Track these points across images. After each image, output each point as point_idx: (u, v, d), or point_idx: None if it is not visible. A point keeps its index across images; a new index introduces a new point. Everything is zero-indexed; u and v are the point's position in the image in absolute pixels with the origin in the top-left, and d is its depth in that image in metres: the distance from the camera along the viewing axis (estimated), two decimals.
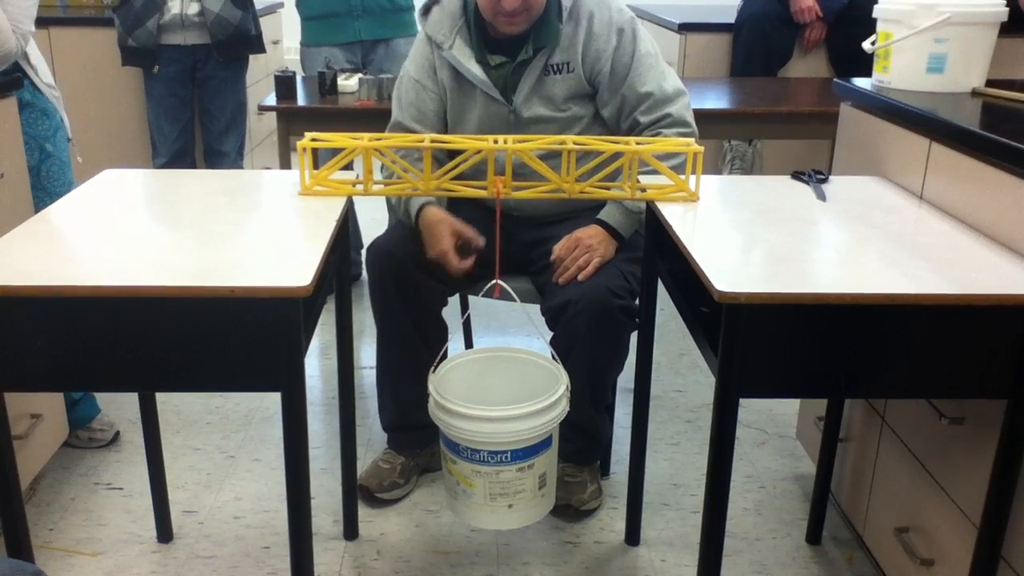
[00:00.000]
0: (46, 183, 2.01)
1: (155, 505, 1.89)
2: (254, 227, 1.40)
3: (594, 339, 1.80)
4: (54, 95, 2.04)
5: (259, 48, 3.12)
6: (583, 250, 1.82)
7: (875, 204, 1.55)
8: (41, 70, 2.02)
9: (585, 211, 1.92)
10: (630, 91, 1.86)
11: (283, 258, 1.28)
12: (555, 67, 1.86)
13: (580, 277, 1.81)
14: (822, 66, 3.51)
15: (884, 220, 1.47)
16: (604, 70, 1.85)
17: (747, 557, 1.89)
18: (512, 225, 1.97)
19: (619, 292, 1.79)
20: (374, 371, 2.08)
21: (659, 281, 1.72)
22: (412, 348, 1.94)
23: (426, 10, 1.94)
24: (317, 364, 2.72)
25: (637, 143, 1.59)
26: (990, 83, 1.81)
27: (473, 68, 1.87)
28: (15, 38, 1.86)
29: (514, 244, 1.96)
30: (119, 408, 2.38)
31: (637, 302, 1.83)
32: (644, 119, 1.87)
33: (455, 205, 1.93)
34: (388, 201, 2.03)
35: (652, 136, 1.86)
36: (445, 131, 1.97)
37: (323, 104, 2.56)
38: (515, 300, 1.80)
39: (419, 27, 1.97)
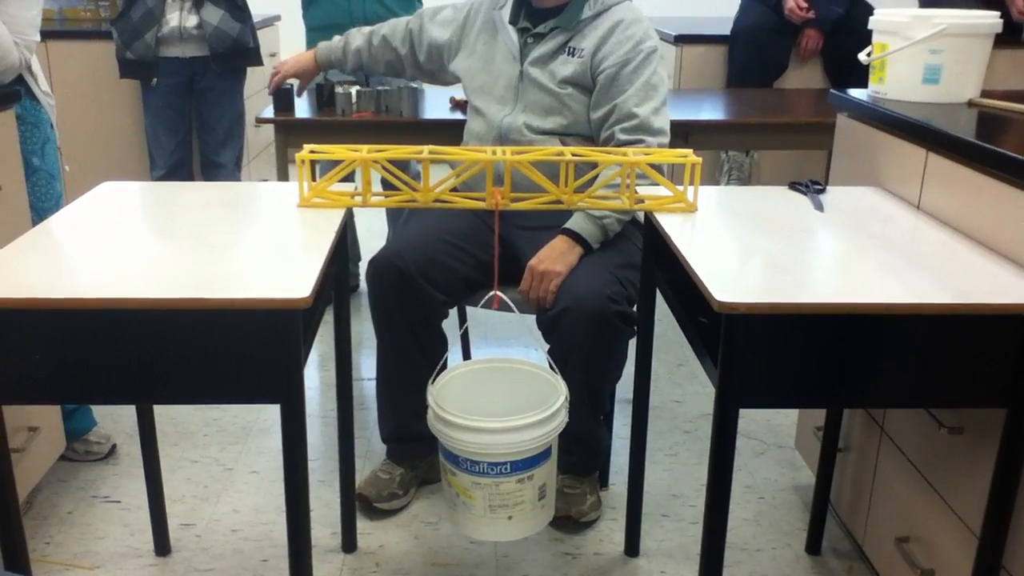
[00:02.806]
0: (31, 198, 1.95)
1: (153, 518, 1.88)
2: (253, 239, 1.40)
3: (592, 346, 1.80)
4: (50, 104, 2.03)
5: (257, 60, 3.13)
6: (539, 280, 1.87)
7: (872, 214, 1.56)
8: (40, 78, 2.00)
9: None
10: (622, 106, 1.93)
11: (283, 269, 1.28)
12: (571, 49, 2.00)
13: (547, 304, 1.85)
14: (818, 76, 3.52)
15: (882, 230, 1.47)
16: (607, 72, 1.94)
17: (746, 568, 1.88)
18: (505, 230, 1.98)
19: (616, 298, 1.80)
20: (371, 382, 2.08)
21: (657, 292, 1.73)
22: (412, 360, 1.94)
23: None
24: (315, 376, 2.72)
25: (635, 154, 1.59)
26: (985, 93, 1.82)
27: (509, 27, 2.06)
28: (17, 50, 1.84)
29: (508, 249, 1.97)
30: (116, 420, 2.37)
31: (634, 309, 1.83)
32: (623, 136, 1.94)
33: (452, 212, 1.95)
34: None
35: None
36: (412, 62, 2.28)
37: (321, 116, 2.56)
38: (514, 311, 1.80)
39: None
